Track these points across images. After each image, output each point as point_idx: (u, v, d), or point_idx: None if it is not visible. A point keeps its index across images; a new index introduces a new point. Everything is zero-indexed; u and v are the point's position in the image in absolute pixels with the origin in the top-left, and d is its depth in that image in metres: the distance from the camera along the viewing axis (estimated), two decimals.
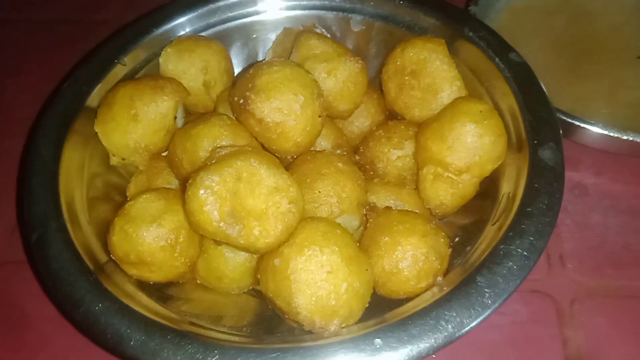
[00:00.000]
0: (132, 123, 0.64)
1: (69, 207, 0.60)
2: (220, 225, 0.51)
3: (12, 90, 0.95)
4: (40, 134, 0.65)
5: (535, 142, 0.60)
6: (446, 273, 0.57)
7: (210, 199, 0.50)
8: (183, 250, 0.56)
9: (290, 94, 0.59)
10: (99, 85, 0.70)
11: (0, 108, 0.92)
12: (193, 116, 0.74)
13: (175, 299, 0.59)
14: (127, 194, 0.68)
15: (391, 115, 0.75)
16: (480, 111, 0.61)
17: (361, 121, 0.74)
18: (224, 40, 0.79)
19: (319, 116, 0.61)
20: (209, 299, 0.63)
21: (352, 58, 0.67)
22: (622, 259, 0.69)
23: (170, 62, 0.72)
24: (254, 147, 0.57)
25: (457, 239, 0.64)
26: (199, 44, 0.72)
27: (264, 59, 0.82)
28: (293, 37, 0.77)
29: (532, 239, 0.54)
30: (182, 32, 0.77)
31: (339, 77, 0.66)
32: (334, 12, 0.80)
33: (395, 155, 0.68)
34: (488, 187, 0.63)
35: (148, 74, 0.74)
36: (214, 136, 0.59)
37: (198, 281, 0.63)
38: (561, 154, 0.59)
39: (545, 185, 0.57)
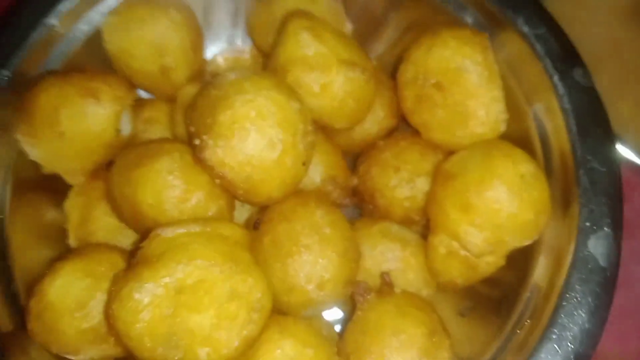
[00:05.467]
0: (57, 141, 0.48)
1: None
2: (157, 352, 0.39)
3: None
4: None
5: (588, 224, 0.45)
6: None
7: (139, 324, 0.38)
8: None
9: (262, 140, 0.43)
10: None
11: None
12: (147, 104, 0.57)
13: None
14: (65, 213, 0.54)
15: (405, 119, 0.58)
16: (522, 176, 0.45)
17: (366, 127, 0.57)
18: None
19: (303, 163, 0.46)
20: None
21: (355, 67, 0.49)
22: None
23: (114, 37, 0.54)
24: (208, 224, 0.43)
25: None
26: (154, 12, 0.53)
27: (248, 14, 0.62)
28: None
29: None
30: None
31: (337, 93, 0.49)
32: None
33: (402, 194, 0.53)
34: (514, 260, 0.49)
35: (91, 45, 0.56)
36: (158, 189, 0.45)
37: None
38: (618, 248, 0.45)
39: (588, 294, 0.43)
